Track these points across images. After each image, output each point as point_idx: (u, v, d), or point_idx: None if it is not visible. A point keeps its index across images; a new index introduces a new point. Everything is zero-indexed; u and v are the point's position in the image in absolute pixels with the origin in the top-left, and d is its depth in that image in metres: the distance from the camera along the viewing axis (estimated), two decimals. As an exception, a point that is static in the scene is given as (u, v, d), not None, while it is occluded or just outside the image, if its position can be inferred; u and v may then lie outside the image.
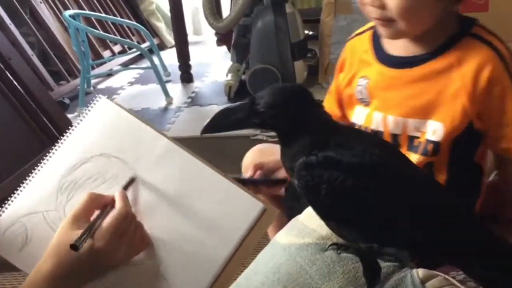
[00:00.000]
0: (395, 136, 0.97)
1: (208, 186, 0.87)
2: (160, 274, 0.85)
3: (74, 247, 0.76)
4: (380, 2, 0.90)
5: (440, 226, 0.76)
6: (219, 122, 0.77)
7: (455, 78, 0.90)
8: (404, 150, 0.97)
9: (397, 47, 0.96)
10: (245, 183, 0.96)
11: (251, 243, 0.87)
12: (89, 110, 0.94)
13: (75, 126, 0.93)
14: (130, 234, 0.82)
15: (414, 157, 0.95)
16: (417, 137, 0.95)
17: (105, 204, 0.84)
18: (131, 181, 0.88)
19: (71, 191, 0.89)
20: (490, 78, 0.88)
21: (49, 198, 0.89)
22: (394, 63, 0.96)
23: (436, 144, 0.93)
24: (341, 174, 0.72)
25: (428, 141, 0.93)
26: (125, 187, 0.87)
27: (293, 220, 0.98)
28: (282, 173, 1.06)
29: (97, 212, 0.83)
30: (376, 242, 0.78)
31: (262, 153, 1.19)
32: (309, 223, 0.92)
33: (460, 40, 0.90)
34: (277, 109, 0.74)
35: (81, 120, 0.93)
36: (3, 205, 0.89)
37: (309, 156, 0.73)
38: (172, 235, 0.86)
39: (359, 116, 1.03)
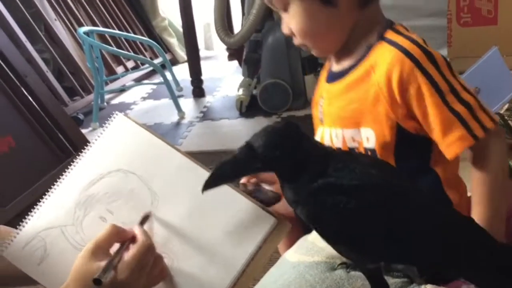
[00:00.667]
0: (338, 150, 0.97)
1: (221, 200, 0.88)
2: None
3: (97, 281, 0.75)
4: (289, 29, 0.93)
5: (447, 240, 0.77)
6: (221, 175, 0.77)
7: (373, 83, 0.89)
8: None
9: (334, 63, 0.98)
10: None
11: (264, 257, 0.87)
12: (106, 127, 0.95)
13: (93, 142, 0.94)
14: (150, 266, 0.82)
15: None
16: (356, 147, 0.95)
17: (126, 238, 0.84)
18: (146, 218, 0.89)
19: (89, 206, 0.90)
20: (401, 79, 0.86)
21: (67, 213, 0.90)
22: (331, 78, 0.97)
23: (373, 151, 0.92)
24: (343, 198, 0.73)
25: (366, 149, 0.93)
26: (141, 223, 0.87)
27: (302, 239, 0.99)
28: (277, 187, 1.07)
29: (117, 245, 0.83)
30: (383, 260, 0.79)
31: None
32: (318, 241, 0.93)
33: (375, 45, 0.90)
34: (279, 150, 0.74)
35: (98, 137, 0.95)
36: (22, 220, 0.90)
37: (310, 185, 0.74)
38: (186, 248, 0.87)
39: (318, 137, 1.03)
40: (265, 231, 0.87)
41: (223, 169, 0.76)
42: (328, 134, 0.98)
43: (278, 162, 0.76)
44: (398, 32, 0.89)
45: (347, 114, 0.93)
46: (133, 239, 0.84)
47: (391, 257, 0.78)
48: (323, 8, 0.87)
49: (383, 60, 0.87)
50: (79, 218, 0.90)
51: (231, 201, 0.89)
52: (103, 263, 0.78)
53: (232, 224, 0.88)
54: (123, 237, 0.84)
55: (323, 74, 1.02)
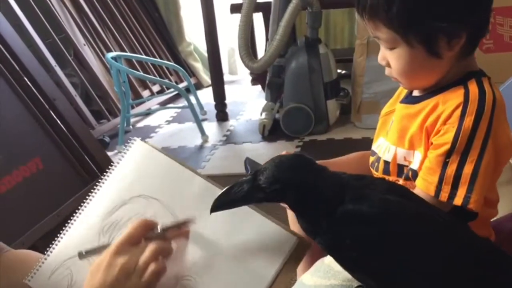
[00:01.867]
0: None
1: (242, 221, 0.89)
2: None
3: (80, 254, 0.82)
4: (386, 62, 0.96)
5: (466, 266, 0.78)
6: (225, 199, 0.79)
7: (434, 114, 0.92)
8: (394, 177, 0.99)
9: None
10: None
11: (286, 276, 0.87)
12: (124, 153, 0.96)
13: (113, 169, 0.95)
14: (142, 247, 0.83)
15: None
16: (405, 166, 0.97)
17: None
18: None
19: (113, 232, 0.90)
20: (448, 116, 0.89)
21: (91, 241, 0.90)
22: (408, 101, 1.01)
23: (414, 173, 0.95)
24: (363, 228, 0.74)
25: (411, 170, 0.96)
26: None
27: (319, 262, 1.00)
28: None
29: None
30: (402, 286, 0.79)
31: None
32: (334, 265, 0.93)
33: (457, 85, 0.92)
34: (279, 184, 0.76)
35: (117, 163, 0.96)
36: (47, 249, 0.91)
37: (328, 216, 0.75)
38: (208, 271, 0.88)
39: (376, 145, 1.06)
40: (287, 250, 0.88)
41: (227, 196, 0.79)
42: (385, 147, 1.01)
43: (280, 196, 0.77)
44: (479, 83, 0.91)
45: (408, 136, 0.96)
46: None
47: (411, 284, 0.78)
48: (428, 58, 0.90)
49: (451, 101, 0.90)
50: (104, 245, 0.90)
51: (252, 222, 0.90)
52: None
53: (254, 245, 0.89)
54: None
55: (401, 94, 1.06)
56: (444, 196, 0.88)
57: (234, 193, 0.78)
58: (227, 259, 0.88)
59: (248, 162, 1.06)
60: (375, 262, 0.76)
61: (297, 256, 0.88)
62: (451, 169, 0.88)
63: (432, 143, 0.91)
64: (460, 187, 0.87)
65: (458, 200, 0.87)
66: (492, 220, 1.00)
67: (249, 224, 0.90)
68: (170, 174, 0.94)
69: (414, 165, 0.95)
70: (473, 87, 0.90)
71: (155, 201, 0.92)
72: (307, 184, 0.76)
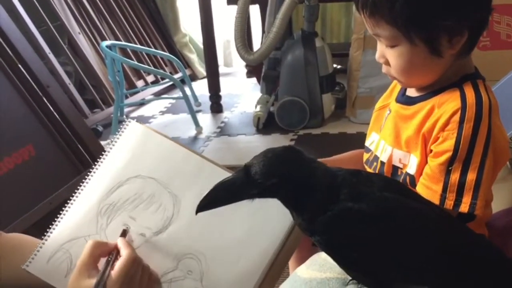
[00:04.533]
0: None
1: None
2: None
3: None
4: (385, 59, 0.95)
5: (463, 261, 0.78)
6: (215, 197, 0.75)
7: (431, 119, 0.92)
8: None
9: (411, 89, 1.00)
10: None
11: (289, 252, 0.88)
12: (120, 135, 0.96)
13: (108, 151, 0.95)
14: (138, 277, 0.83)
15: None
16: (400, 168, 0.97)
17: (110, 251, 0.85)
18: (125, 231, 0.89)
19: (111, 214, 0.91)
20: (445, 123, 0.88)
21: (89, 223, 0.90)
22: (402, 101, 1.00)
23: (412, 177, 0.94)
24: (363, 227, 0.73)
25: (407, 174, 0.95)
26: (122, 235, 0.88)
27: (315, 256, 0.99)
28: None
29: (103, 260, 0.84)
30: (398, 284, 0.79)
31: None
32: (330, 259, 0.94)
33: (452, 87, 0.92)
34: (276, 178, 0.72)
35: (113, 145, 0.96)
36: (45, 234, 0.91)
37: (325, 213, 0.72)
38: (212, 249, 0.88)
39: (370, 140, 1.06)
40: (289, 225, 0.88)
41: (217, 193, 0.75)
42: (382, 146, 1.01)
43: (276, 190, 0.74)
44: (475, 87, 0.91)
45: (403, 138, 0.96)
46: (118, 251, 0.84)
47: (407, 280, 0.78)
48: (429, 56, 0.89)
49: (447, 105, 0.90)
50: (103, 227, 0.91)
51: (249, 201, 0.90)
52: (93, 280, 0.79)
53: (254, 222, 0.89)
54: (105, 250, 0.85)
55: (395, 89, 1.05)
56: (449, 204, 0.88)
57: (225, 191, 0.74)
58: (229, 235, 0.89)
59: None
60: (374, 261, 0.76)
61: (295, 237, 0.88)
62: (455, 177, 0.87)
63: (431, 151, 0.90)
64: (465, 195, 0.87)
65: (464, 207, 0.87)
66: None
67: (248, 202, 0.89)
68: (166, 154, 0.94)
69: (411, 170, 0.94)
70: (469, 91, 0.89)
71: (152, 180, 0.92)
72: (302, 177, 0.73)
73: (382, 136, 1.02)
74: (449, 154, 0.87)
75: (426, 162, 0.92)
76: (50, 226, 0.91)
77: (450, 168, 0.87)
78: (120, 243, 0.86)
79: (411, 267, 0.76)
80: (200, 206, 0.75)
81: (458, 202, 0.87)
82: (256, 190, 0.73)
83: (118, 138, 0.96)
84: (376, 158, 1.02)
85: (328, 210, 0.72)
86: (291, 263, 1.15)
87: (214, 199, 0.75)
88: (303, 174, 0.73)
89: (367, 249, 0.74)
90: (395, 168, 0.98)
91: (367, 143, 1.07)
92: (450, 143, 0.87)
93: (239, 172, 0.74)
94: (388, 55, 0.93)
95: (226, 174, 0.88)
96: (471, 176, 0.87)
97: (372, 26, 0.91)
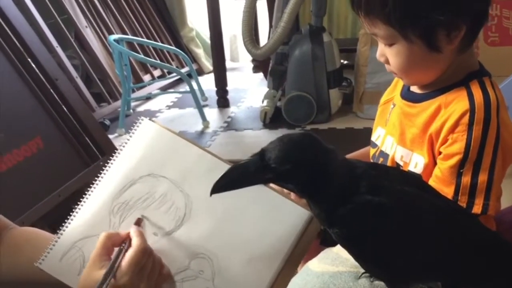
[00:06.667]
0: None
1: (254, 197, 0.89)
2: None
3: None
4: (385, 58, 0.95)
5: (479, 257, 0.78)
6: (230, 180, 0.74)
7: (438, 119, 0.91)
8: None
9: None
10: None
11: (302, 252, 0.87)
12: (133, 132, 0.96)
13: (121, 149, 0.94)
14: (149, 268, 0.83)
15: None
16: (400, 166, 0.97)
17: (123, 241, 0.85)
18: (140, 220, 0.89)
19: (123, 212, 0.90)
20: (453, 125, 0.88)
21: (102, 221, 0.90)
22: (407, 97, 1.00)
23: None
24: (381, 220, 0.72)
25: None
26: (136, 223, 0.88)
27: (327, 250, 0.99)
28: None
29: (116, 249, 0.84)
30: (413, 279, 0.79)
31: None
32: (343, 252, 0.93)
33: (459, 86, 0.91)
34: (291, 163, 0.70)
35: (126, 143, 0.95)
36: (58, 231, 0.90)
37: (344, 205, 0.72)
38: (224, 248, 0.88)
39: (376, 135, 1.06)
40: (301, 225, 0.88)
41: (232, 176, 0.74)
42: (390, 143, 1.01)
43: (291, 176, 0.72)
44: (482, 86, 0.90)
45: (408, 136, 0.96)
46: (130, 241, 0.84)
47: (423, 274, 0.79)
48: (428, 52, 0.89)
49: (454, 106, 0.89)
50: (115, 225, 0.90)
51: (265, 197, 0.89)
52: (104, 271, 0.79)
53: (267, 220, 0.88)
54: (118, 240, 0.85)
55: (398, 83, 1.04)
56: (463, 204, 0.87)
57: (239, 174, 0.73)
58: (241, 235, 0.88)
59: None
60: (392, 255, 0.75)
61: (312, 230, 0.88)
62: (466, 179, 0.87)
63: (440, 153, 0.90)
64: (478, 196, 0.87)
65: (477, 209, 0.87)
66: None
67: (262, 200, 0.89)
68: (179, 152, 0.94)
69: (417, 169, 0.94)
70: (476, 91, 0.89)
71: (164, 179, 0.92)
72: (319, 164, 0.72)
73: (387, 131, 1.02)
74: (459, 156, 0.87)
75: (435, 163, 0.92)
76: (63, 224, 0.91)
77: (461, 170, 0.87)
78: (133, 232, 0.86)
79: (428, 261, 0.76)
80: (214, 188, 0.73)
81: (470, 204, 0.87)
82: (271, 175, 0.72)
83: (131, 136, 0.96)
84: (381, 153, 1.02)
85: (347, 202, 0.72)
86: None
87: (228, 182, 0.74)
88: (319, 162, 0.71)
89: (385, 243, 0.74)
90: (397, 165, 0.98)
91: (373, 138, 1.07)
92: (460, 146, 0.87)
93: (255, 156, 0.72)
94: (388, 54, 0.93)
95: None
96: (483, 177, 0.86)
97: (369, 25, 0.91)
